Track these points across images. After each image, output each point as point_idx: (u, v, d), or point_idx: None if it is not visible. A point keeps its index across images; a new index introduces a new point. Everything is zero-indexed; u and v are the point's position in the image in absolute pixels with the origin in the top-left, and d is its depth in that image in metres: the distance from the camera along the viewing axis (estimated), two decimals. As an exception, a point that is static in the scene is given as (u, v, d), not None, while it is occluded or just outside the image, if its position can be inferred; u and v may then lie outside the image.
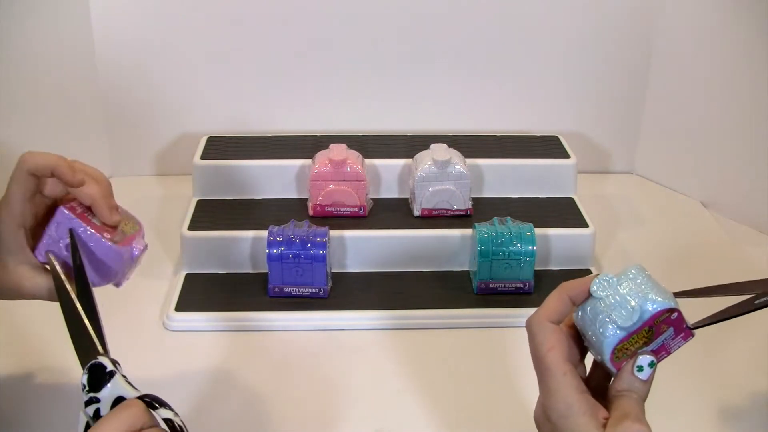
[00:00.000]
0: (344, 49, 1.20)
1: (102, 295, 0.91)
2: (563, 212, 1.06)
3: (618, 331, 0.57)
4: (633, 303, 0.56)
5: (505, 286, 0.97)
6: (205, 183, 1.08)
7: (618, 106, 1.26)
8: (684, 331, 0.58)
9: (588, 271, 1.02)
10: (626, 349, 0.57)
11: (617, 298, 0.57)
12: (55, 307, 0.67)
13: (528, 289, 0.97)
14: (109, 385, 0.60)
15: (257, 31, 1.19)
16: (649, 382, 0.58)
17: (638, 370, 0.57)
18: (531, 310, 0.93)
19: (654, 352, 0.58)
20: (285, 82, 1.22)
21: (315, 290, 0.96)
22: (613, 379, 0.59)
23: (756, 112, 1.11)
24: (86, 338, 0.63)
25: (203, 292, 0.97)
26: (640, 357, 0.57)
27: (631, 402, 0.57)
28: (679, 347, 0.59)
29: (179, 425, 0.59)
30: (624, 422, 0.54)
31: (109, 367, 0.61)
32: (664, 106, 1.23)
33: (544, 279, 0.99)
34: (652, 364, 0.57)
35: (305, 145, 1.11)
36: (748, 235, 1.14)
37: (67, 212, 0.69)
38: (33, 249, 0.70)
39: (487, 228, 0.96)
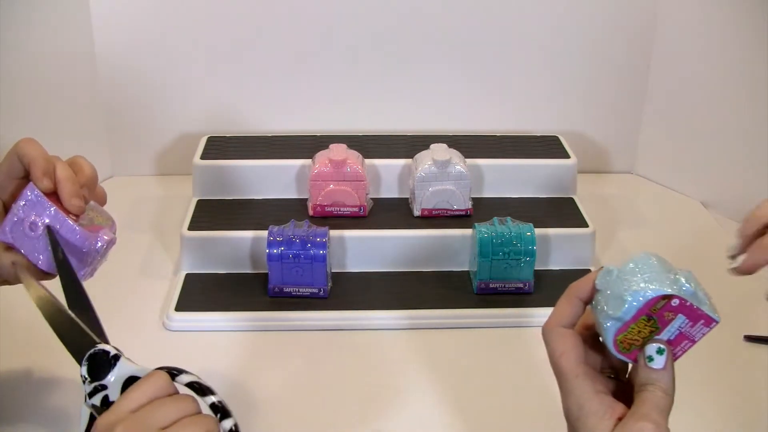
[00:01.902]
0: (344, 49, 1.20)
1: (102, 295, 0.90)
2: (563, 212, 1.06)
3: (612, 322, 0.56)
4: (624, 293, 0.56)
5: (505, 286, 0.97)
6: (205, 183, 1.08)
7: (618, 106, 1.26)
8: (702, 317, 0.56)
9: (588, 271, 1.01)
10: (632, 339, 0.57)
11: (614, 288, 0.57)
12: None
13: (528, 289, 0.97)
14: (115, 368, 0.60)
15: (257, 31, 1.19)
16: (667, 371, 0.56)
17: (649, 361, 0.56)
18: (531, 310, 0.95)
19: (672, 342, 0.57)
20: (285, 82, 1.22)
21: (315, 290, 0.96)
22: (630, 372, 0.59)
23: (756, 113, 1.11)
24: (76, 331, 0.63)
25: (203, 292, 0.97)
26: (647, 347, 0.57)
27: (654, 399, 0.55)
28: (704, 334, 0.57)
29: (204, 385, 0.60)
30: (638, 424, 0.54)
31: (113, 351, 0.61)
32: (664, 106, 1.23)
33: (544, 279, 0.99)
34: (660, 351, 0.56)
35: (305, 145, 1.11)
36: (748, 235, 1.14)
37: (36, 190, 0.67)
38: None
39: (487, 228, 0.96)
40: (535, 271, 0.97)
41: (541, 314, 0.94)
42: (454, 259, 1.01)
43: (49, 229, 0.67)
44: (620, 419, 0.55)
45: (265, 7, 1.17)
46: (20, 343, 0.89)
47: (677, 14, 1.17)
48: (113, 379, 0.60)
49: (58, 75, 1.14)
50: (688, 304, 0.56)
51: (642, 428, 0.54)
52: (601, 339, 0.59)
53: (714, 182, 1.20)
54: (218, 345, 0.90)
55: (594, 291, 0.59)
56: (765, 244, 0.65)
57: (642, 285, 0.56)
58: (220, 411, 0.59)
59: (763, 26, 1.06)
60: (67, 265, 0.67)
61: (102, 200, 0.73)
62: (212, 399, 0.59)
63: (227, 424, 0.59)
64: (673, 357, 0.57)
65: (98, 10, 1.16)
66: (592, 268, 1.02)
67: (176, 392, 0.59)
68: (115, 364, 0.60)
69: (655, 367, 0.56)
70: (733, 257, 0.68)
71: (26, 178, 0.70)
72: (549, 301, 0.95)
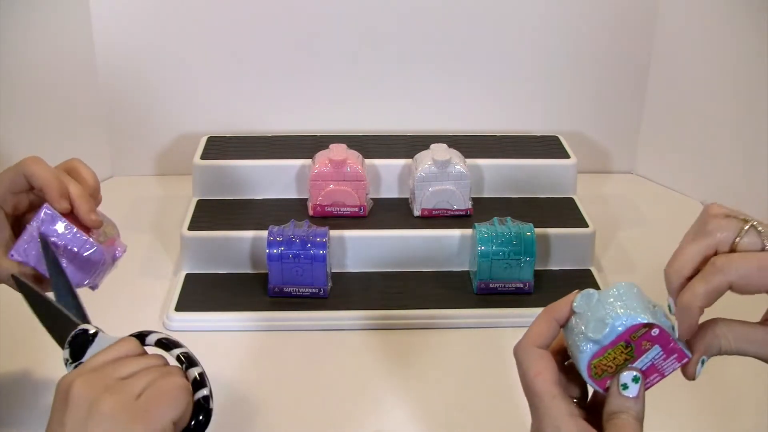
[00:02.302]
0: (344, 49, 1.20)
1: (102, 295, 0.90)
2: (563, 212, 1.06)
3: (590, 345, 0.55)
4: (606, 316, 0.55)
5: (505, 286, 0.97)
6: (205, 183, 1.08)
7: (618, 106, 1.26)
8: (676, 351, 0.56)
9: (588, 271, 1.02)
10: (606, 366, 0.56)
11: (596, 312, 0.56)
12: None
13: (528, 289, 0.97)
14: (94, 344, 0.60)
15: (257, 31, 1.19)
16: (640, 399, 0.55)
17: (624, 389, 0.55)
18: (531, 310, 0.95)
19: (644, 373, 0.56)
20: (285, 82, 1.22)
21: (315, 290, 0.96)
22: (605, 402, 0.57)
23: (756, 112, 1.11)
24: (61, 319, 0.63)
25: (203, 292, 0.97)
26: (623, 374, 0.55)
27: (628, 427, 0.54)
28: (674, 369, 0.57)
29: (171, 340, 0.61)
30: None
31: (92, 329, 0.61)
32: (664, 107, 1.23)
33: (544, 279, 0.99)
34: (636, 380, 0.55)
35: (305, 145, 1.11)
36: (748, 235, 1.14)
37: (50, 210, 0.69)
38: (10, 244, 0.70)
39: (487, 228, 0.96)
40: (535, 271, 0.97)
41: (541, 314, 0.94)
42: (454, 259, 1.01)
43: (41, 238, 0.69)
44: None
45: (265, 7, 1.17)
46: (20, 344, 0.89)
47: (677, 14, 1.17)
48: (93, 352, 0.60)
49: (58, 75, 1.14)
50: (666, 335, 0.55)
51: None
52: (573, 362, 0.58)
53: (714, 182, 1.20)
54: (218, 345, 0.90)
55: (571, 313, 0.57)
56: (685, 303, 0.55)
57: (625, 311, 0.55)
58: (186, 361, 0.60)
59: (763, 26, 1.06)
60: (56, 262, 0.68)
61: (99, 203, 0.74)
62: (177, 351, 0.60)
63: (193, 371, 0.59)
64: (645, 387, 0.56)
65: (98, 11, 1.16)
66: (592, 268, 1.02)
67: (144, 354, 0.59)
68: (93, 341, 0.60)
69: (629, 395, 0.55)
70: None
71: (29, 192, 0.71)
72: (549, 302, 0.95)
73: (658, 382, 0.57)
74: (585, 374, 0.56)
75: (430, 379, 0.86)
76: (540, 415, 0.56)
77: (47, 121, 1.14)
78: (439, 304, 0.96)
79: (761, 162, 1.11)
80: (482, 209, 1.05)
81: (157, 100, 1.22)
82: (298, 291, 0.96)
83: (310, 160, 1.06)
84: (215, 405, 0.60)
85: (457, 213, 1.04)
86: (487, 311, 0.95)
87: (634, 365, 0.56)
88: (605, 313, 0.55)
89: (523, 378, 0.57)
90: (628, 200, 1.23)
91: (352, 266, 1.01)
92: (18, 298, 0.70)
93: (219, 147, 1.12)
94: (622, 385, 0.55)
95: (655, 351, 0.56)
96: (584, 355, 0.56)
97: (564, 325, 0.58)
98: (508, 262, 0.95)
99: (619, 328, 0.54)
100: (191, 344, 0.91)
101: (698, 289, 0.54)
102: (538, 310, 0.93)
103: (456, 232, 1.01)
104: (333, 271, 1.00)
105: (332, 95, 1.23)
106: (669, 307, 0.57)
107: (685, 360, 0.56)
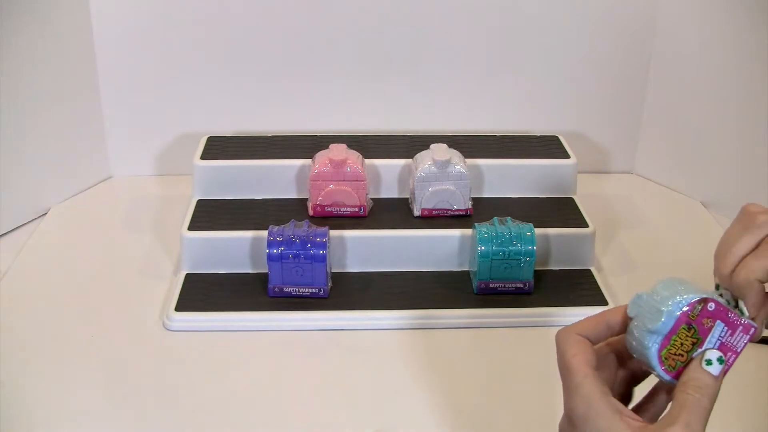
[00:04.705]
0: (344, 50, 1.20)
1: (102, 295, 0.91)
2: (563, 212, 1.06)
3: (654, 337, 0.56)
4: (660, 305, 0.56)
5: (505, 286, 0.97)
6: (205, 183, 1.08)
7: (618, 106, 1.26)
8: (740, 323, 0.56)
9: (588, 271, 1.02)
10: (677, 355, 0.56)
11: (649, 306, 0.56)
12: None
13: (528, 289, 0.97)
14: None
15: (257, 31, 1.19)
16: (718, 381, 0.54)
17: (707, 364, 0.55)
18: (531, 310, 0.95)
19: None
20: (285, 82, 1.22)
21: (315, 290, 0.96)
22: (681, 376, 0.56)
23: (756, 112, 1.11)
24: None
25: (203, 292, 0.97)
26: (709, 351, 0.55)
27: (691, 403, 0.53)
28: (745, 344, 0.56)
29: None
30: (668, 428, 0.52)
31: None
32: (664, 106, 1.23)
33: (544, 279, 0.99)
34: (721, 360, 0.55)
35: (305, 145, 1.11)
36: (748, 235, 1.13)
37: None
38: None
39: (487, 228, 0.96)
40: (535, 271, 0.97)
41: (541, 314, 0.95)
42: (454, 259, 1.01)
43: None
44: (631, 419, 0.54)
45: (265, 6, 1.17)
46: (20, 343, 0.89)
47: (677, 14, 1.17)
48: None
49: (58, 75, 1.14)
50: (724, 308, 0.55)
51: None
52: (646, 367, 0.58)
53: (714, 182, 1.20)
54: (218, 345, 0.90)
55: (628, 320, 0.58)
56: (743, 279, 0.55)
57: (676, 295, 0.56)
58: None
59: (762, 26, 1.06)
60: None
61: None
62: None
63: None
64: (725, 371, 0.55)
65: (98, 10, 1.16)
66: (592, 268, 1.02)
67: None
68: None
69: (711, 371, 0.55)
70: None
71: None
72: (549, 301, 0.96)
73: (734, 361, 0.56)
74: (660, 371, 0.56)
75: (430, 379, 0.86)
76: (571, 391, 0.56)
77: (47, 120, 1.14)
78: (439, 304, 0.96)
79: (761, 162, 1.11)
80: (482, 209, 1.05)
81: (157, 100, 1.22)
82: (298, 291, 0.96)
83: (310, 160, 1.06)
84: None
85: (457, 213, 1.04)
86: (487, 311, 0.95)
87: (704, 347, 0.56)
88: (658, 304, 0.56)
89: (560, 359, 0.57)
90: (628, 200, 1.23)
91: (352, 266, 1.01)
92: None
93: (219, 147, 1.12)
94: (706, 360, 0.55)
95: (719, 327, 0.56)
96: (652, 350, 0.56)
97: (615, 331, 0.58)
98: (508, 262, 0.95)
99: (676, 312, 0.55)
100: (191, 344, 0.91)
101: (754, 265, 0.55)
102: (538, 310, 0.95)
103: (456, 232, 1.01)
104: (333, 271, 1.00)
105: (332, 95, 1.23)
106: (721, 294, 0.57)
107: (753, 331, 0.56)
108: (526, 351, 0.90)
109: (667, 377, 0.57)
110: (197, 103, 1.23)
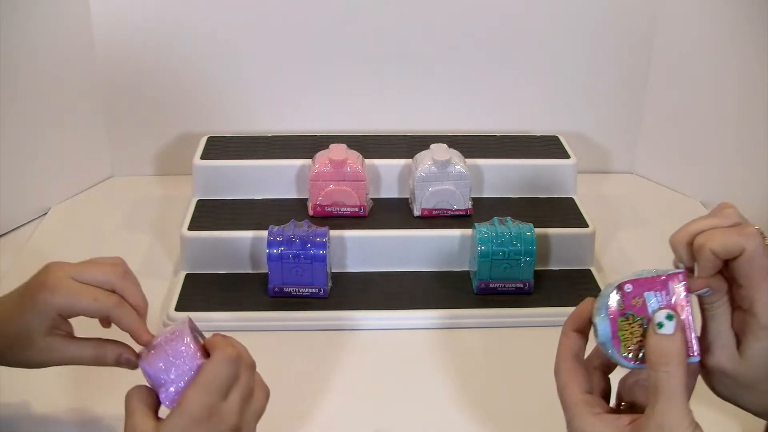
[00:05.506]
0: (344, 49, 1.20)
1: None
2: (563, 212, 1.06)
3: (606, 344, 0.56)
4: (593, 318, 0.57)
5: (505, 286, 0.97)
6: (205, 183, 1.08)
7: (618, 106, 1.26)
8: (665, 277, 0.55)
9: (588, 271, 1.02)
10: (633, 343, 0.56)
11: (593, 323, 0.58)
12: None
13: (528, 289, 0.97)
14: None
15: (257, 31, 1.19)
16: (677, 339, 0.53)
17: (659, 327, 0.54)
18: (531, 310, 0.95)
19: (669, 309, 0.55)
20: (285, 82, 1.22)
21: (315, 290, 0.96)
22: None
23: (756, 112, 1.11)
24: None
25: (203, 292, 0.97)
26: (655, 314, 0.54)
27: (663, 382, 0.53)
28: (686, 291, 0.55)
29: None
30: (649, 420, 0.52)
31: None
32: (664, 106, 1.23)
33: (544, 279, 0.99)
34: (670, 317, 0.54)
35: (305, 145, 1.11)
36: (748, 235, 1.13)
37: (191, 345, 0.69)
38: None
39: (487, 228, 0.96)
40: (535, 271, 0.97)
41: (541, 314, 0.95)
42: (454, 259, 1.01)
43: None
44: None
45: (265, 6, 1.17)
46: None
47: (677, 14, 1.17)
48: None
49: (58, 74, 1.14)
50: (638, 280, 0.56)
51: (667, 424, 0.52)
52: (615, 363, 0.59)
53: (714, 182, 1.20)
54: (218, 345, 0.90)
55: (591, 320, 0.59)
56: (700, 242, 0.56)
57: (598, 304, 0.57)
58: None
59: (762, 27, 1.06)
60: None
61: None
62: None
63: None
64: (684, 327, 0.54)
65: (98, 9, 1.16)
66: (592, 268, 1.02)
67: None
68: None
69: (666, 332, 0.54)
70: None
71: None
72: (549, 301, 0.96)
73: (690, 312, 0.55)
74: (633, 365, 0.57)
75: (430, 379, 0.86)
76: (568, 423, 0.58)
77: (47, 120, 1.14)
78: (439, 304, 0.96)
79: (761, 162, 1.11)
80: (482, 209, 1.05)
81: (157, 100, 1.22)
82: (298, 291, 0.96)
83: (310, 160, 1.06)
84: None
85: (457, 213, 1.04)
86: (487, 311, 0.95)
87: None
88: (593, 317, 0.57)
89: (558, 393, 0.59)
90: (628, 200, 1.23)
91: (352, 266, 1.01)
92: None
93: (219, 147, 1.12)
94: (657, 324, 0.54)
95: (650, 297, 0.56)
96: (613, 353, 0.57)
97: (585, 333, 0.60)
98: (508, 262, 0.95)
99: (603, 315, 0.56)
100: (191, 344, 0.91)
101: (716, 235, 0.55)
102: (538, 310, 0.95)
103: (456, 232, 1.01)
104: (333, 271, 1.00)
105: (332, 95, 1.23)
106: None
107: (682, 275, 0.56)
108: (526, 351, 0.90)
109: (636, 366, 0.57)
110: (197, 103, 1.23)
